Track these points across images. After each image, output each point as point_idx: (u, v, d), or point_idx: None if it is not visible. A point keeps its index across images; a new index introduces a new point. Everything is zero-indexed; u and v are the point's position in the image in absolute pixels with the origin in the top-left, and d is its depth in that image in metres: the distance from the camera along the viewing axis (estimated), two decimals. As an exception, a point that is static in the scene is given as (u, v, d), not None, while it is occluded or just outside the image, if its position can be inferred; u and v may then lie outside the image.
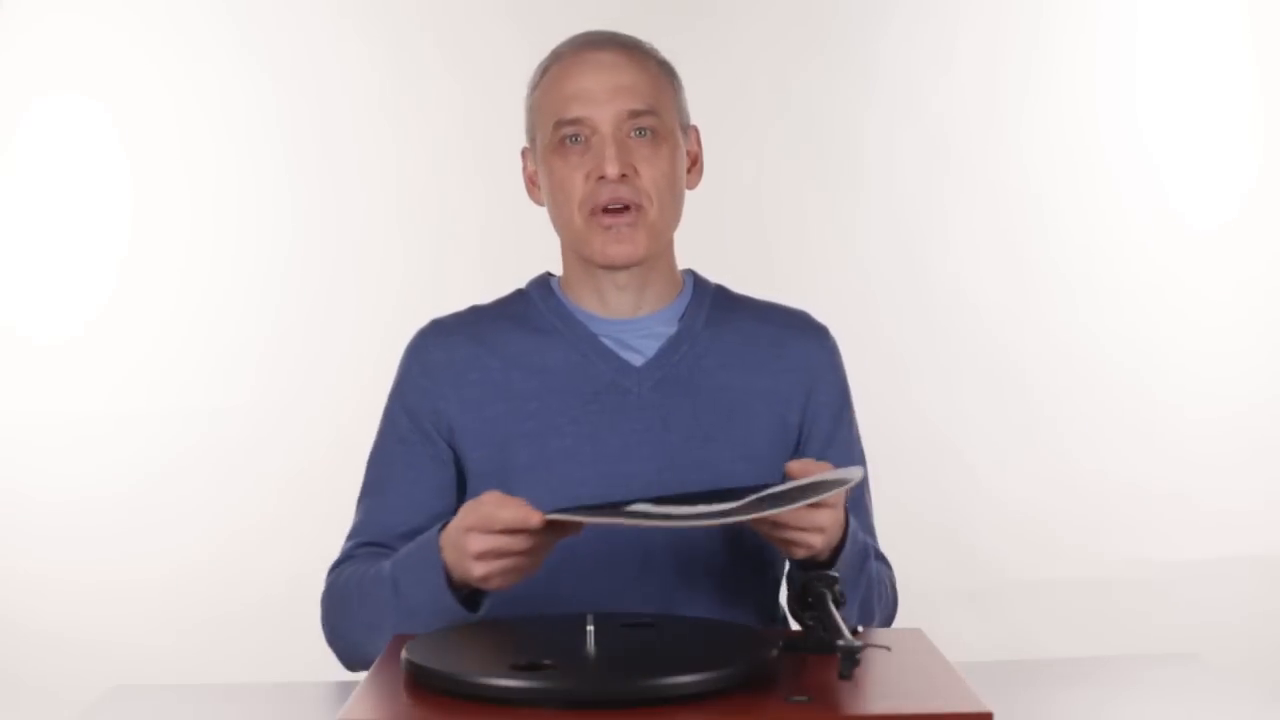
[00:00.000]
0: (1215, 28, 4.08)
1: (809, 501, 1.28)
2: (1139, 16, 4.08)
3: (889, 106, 4.06)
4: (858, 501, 1.65)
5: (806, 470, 1.35)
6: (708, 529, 1.21)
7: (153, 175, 4.02)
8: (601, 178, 1.56)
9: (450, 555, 1.38)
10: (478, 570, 1.35)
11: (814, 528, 1.37)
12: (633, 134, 1.58)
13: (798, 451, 1.64)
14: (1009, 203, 4.07)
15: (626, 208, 1.57)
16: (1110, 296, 4.04)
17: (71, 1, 3.98)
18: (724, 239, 3.79)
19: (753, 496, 1.28)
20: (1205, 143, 4.08)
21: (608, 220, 1.57)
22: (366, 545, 1.59)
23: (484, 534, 1.33)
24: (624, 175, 1.56)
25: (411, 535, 1.56)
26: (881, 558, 1.65)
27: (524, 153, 1.68)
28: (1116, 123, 4.07)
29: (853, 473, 1.32)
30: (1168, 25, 4.08)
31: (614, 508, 1.33)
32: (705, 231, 3.52)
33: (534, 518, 1.30)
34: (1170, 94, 4.08)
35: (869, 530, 1.67)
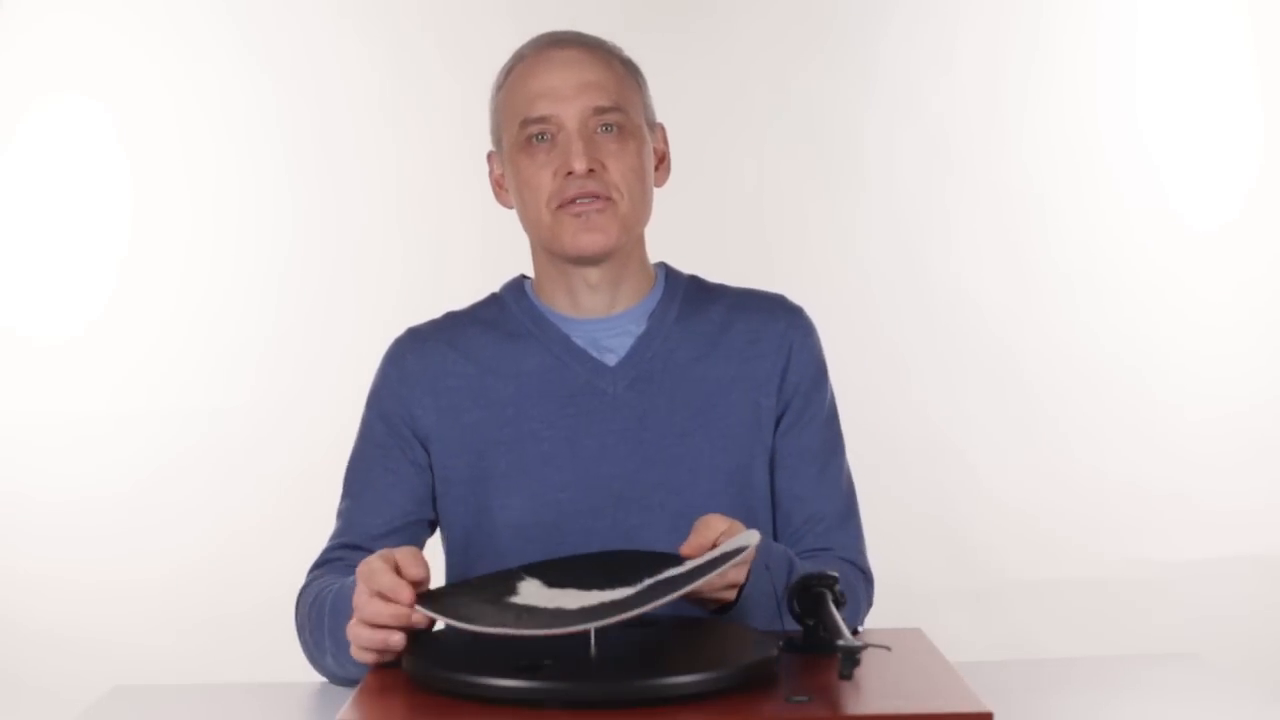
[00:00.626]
0: (1215, 28, 4.08)
1: (704, 581, 1.24)
2: (1139, 17, 4.08)
3: (889, 106, 4.06)
4: (833, 489, 1.64)
5: (703, 545, 1.34)
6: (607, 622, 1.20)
7: (153, 175, 4.02)
8: (570, 173, 1.55)
9: None
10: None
11: (727, 585, 1.37)
12: (599, 130, 1.57)
13: (776, 431, 1.62)
14: (1009, 202, 4.06)
15: (597, 199, 1.56)
16: (1111, 296, 4.04)
17: (71, 1, 3.98)
18: (724, 239, 3.80)
19: (649, 581, 1.27)
20: (1205, 143, 4.07)
21: (577, 209, 1.56)
22: (344, 547, 1.60)
23: (364, 586, 1.30)
24: (592, 170, 1.55)
25: (387, 536, 1.57)
26: (860, 565, 1.63)
27: (489, 156, 1.68)
28: (1116, 123, 4.07)
29: (748, 538, 1.30)
30: (1168, 25, 4.08)
31: (505, 577, 1.33)
32: (706, 231, 3.55)
33: (404, 593, 1.26)
34: (1170, 94, 4.08)
35: (846, 516, 1.65)
